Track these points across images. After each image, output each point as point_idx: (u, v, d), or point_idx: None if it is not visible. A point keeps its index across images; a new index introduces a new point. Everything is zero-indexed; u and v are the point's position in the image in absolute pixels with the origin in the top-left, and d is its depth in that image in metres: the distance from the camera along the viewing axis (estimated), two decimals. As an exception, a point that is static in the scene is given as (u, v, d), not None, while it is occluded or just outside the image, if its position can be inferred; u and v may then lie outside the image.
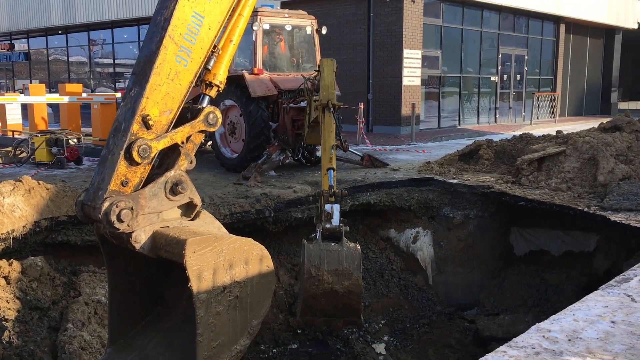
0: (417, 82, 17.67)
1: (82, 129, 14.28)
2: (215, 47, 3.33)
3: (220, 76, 3.42)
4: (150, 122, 2.99)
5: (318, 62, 10.52)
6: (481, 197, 8.27)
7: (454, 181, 8.57)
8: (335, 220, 5.71)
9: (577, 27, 26.45)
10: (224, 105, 9.82)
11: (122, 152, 2.92)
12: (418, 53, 17.47)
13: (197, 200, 3.17)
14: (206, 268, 2.87)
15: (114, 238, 3.05)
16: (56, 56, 29.39)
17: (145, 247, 2.98)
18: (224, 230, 3.30)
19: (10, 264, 5.66)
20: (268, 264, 3.15)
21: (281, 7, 12.23)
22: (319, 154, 10.43)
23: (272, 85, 9.58)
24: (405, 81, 17.19)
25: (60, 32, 28.01)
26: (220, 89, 3.46)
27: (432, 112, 19.44)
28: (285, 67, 10.46)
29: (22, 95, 16.46)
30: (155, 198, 3.01)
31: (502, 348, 3.15)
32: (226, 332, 3.01)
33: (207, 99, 3.40)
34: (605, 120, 9.67)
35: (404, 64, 17.03)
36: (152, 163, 3.07)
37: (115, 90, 24.00)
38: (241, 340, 3.11)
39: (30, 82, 27.41)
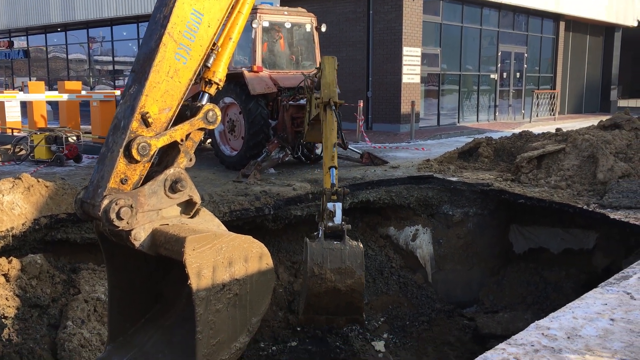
0: (417, 79, 17.66)
1: (81, 126, 14.28)
2: (214, 44, 3.33)
3: (219, 74, 3.41)
4: (150, 120, 2.99)
5: (318, 60, 10.54)
6: (480, 194, 8.27)
7: (454, 179, 8.58)
8: (338, 218, 5.71)
9: (577, 25, 26.44)
10: (224, 103, 9.81)
11: (121, 150, 2.92)
12: (418, 51, 17.46)
13: (197, 198, 3.17)
14: (206, 266, 2.87)
15: (114, 236, 3.05)
16: (55, 54, 29.35)
17: (144, 245, 2.98)
18: (224, 227, 3.30)
19: (9, 262, 5.66)
20: (267, 262, 3.15)
21: (280, 5, 12.23)
22: (318, 151, 10.44)
23: (272, 83, 9.58)
24: (405, 79, 17.18)
25: (59, 29, 27.97)
26: (219, 86, 3.46)
27: (431, 109, 19.43)
28: (284, 65, 10.46)
29: (22, 92, 16.43)
30: (155, 196, 3.00)
31: (501, 345, 3.16)
32: (226, 329, 3.01)
33: (206, 96, 3.40)
34: (604, 118, 9.67)
35: (404, 62, 17.01)
36: (152, 161, 3.07)
37: (115, 87, 23.97)
38: (241, 338, 3.11)
39: (30, 80, 27.40)
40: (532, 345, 3.14)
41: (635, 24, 28.99)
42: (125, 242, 2.99)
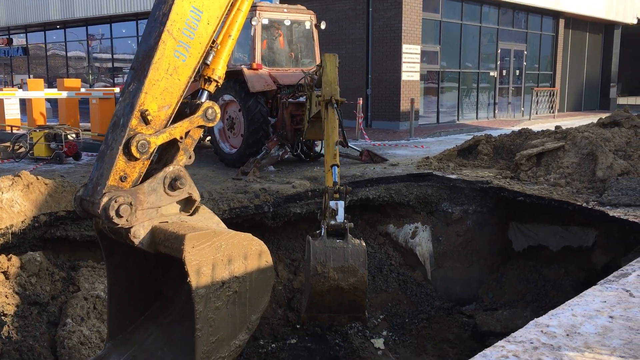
0: (416, 77, 17.65)
1: (80, 124, 14.27)
2: (214, 42, 3.32)
3: (219, 71, 3.41)
4: (149, 117, 2.98)
5: (317, 57, 10.54)
6: (480, 192, 8.27)
7: (453, 176, 8.58)
8: (340, 216, 5.71)
9: (576, 22, 26.42)
10: (223, 101, 9.81)
11: (120, 148, 2.92)
12: (417, 48, 17.45)
13: (196, 196, 3.17)
14: (205, 263, 2.87)
15: (113, 233, 3.05)
16: (54, 51, 29.33)
17: (144, 242, 2.98)
18: (223, 225, 3.30)
19: (9, 259, 5.66)
20: (267, 259, 3.15)
21: (280, 2, 12.21)
22: (317, 149, 10.44)
23: (271, 81, 9.57)
24: (404, 76, 17.17)
25: (58, 26, 27.94)
26: (219, 84, 3.46)
27: (431, 107, 19.42)
28: (284, 62, 10.45)
29: (21, 90, 16.42)
30: (154, 193, 3.00)
31: (500, 343, 3.16)
32: (225, 327, 3.02)
33: (205, 94, 3.40)
34: (604, 115, 9.67)
35: (403, 59, 17.00)
36: (151, 158, 3.07)
37: (114, 85, 23.96)
38: (240, 335, 3.12)
39: (29, 77, 27.37)
40: (531, 343, 3.14)
41: (635, 22, 28.98)
42: (124, 239, 2.99)
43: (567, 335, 3.25)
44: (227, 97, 9.75)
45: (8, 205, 5.77)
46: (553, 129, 9.44)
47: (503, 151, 9.85)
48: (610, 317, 3.51)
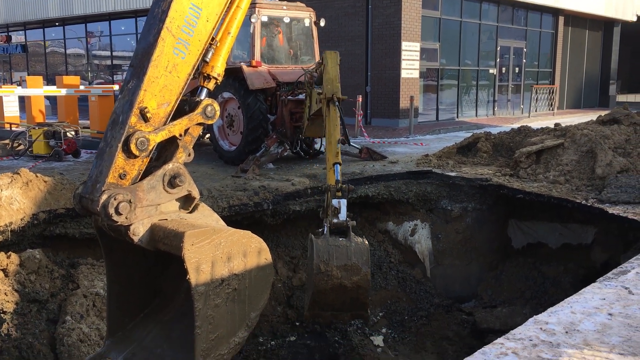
0: (416, 74, 17.64)
1: (79, 121, 14.24)
2: (213, 39, 3.32)
3: (218, 68, 3.41)
4: (148, 115, 2.98)
5: (316, 55, 10.53)
6: (479, 189, 8.27)
7: (452, 174, 8.58)
8: (343, 215, 5.72)
9: (576, 20, 26.41)
10: (222, 98, 9.80)
11: (120, 145, 2.92)
12: (416, 45, 17.43)
13: (195, 193, 3.17)
14: (204, 261, 2.87)
15: (112, 231, 3.05)
16: (53, 48, 29.30)
17: (143, 240, 2.98)
18: (222, 223, 3.30)
19: (8, 257, 5.66)
20: (266, 257, 3.15)
21: (279, -1, 12.19)
22: (317, 146, 10.43)
23: (271, 78, 9.56)
24: (404, 74, 17.16)
25: (57, 24, 27.91)
26: (218, 81, 3.46)
27: (430, 104, 19.42)
28: (283, 60, 10.44)
29: (20, 87, 16.40)
30: (154, 191, 3.00)
31: (499, 340, 3.16)
32: (224, 324, 3.02)
33: (205, 91, 3.39)
34: (603, 112, 9.67)
35: (403, 57, 16.99)
36: (150, 156, 3.06)
37: (113, 82, 23.94)
38: (239, 333, 3.12)
39: (28, 75, 27.34)
40: (531, 340, 3.15)
41: (635, 19, 28.97)
42: (124, 237, 2.99)
43: (566, 332, 3.25)
44: (226, 95, 9.74)
45: (7, 203, 5.77)
46: (552, 126, 9.44)
47: (502, 149, 9.85)
48: (609, 314, 3.51)
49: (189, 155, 3.17)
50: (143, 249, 3.05)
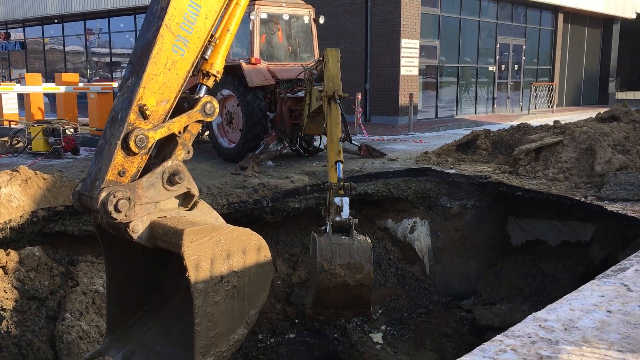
0: (415, 72, 17.63)
1: (78, 118, 14.24)
2: (212, 36, 3.31)
3: (217, 66, 3.40)
4: (147, 112, 2.98)
5: (316, 52, 10.52)
6: (478, 187, 8.28)
7: (452, 171, 8.58)
8: (345, 213, 5.72)
9: (575, 17, 26.39)
10: (221, 95, 9.79)
11: (119, 142, 2.91)
12: (416, 43, 17.42)
13: (195, 191, 3.17)
14: (204, 258, 2.87)
15: (112, 228, 3.05)
16: (52, 45, 29.26)
17: (142, 237, 2.98)
18: (222, 220, 3.30)
19: (7, 254, 5.66)
20: (265, 254, 3.15)
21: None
22: (316, 143, 10.43)
23: (270, 75, 9.55)
24: (403, 71, 17.15)
25: (56, 21, 27.87)
26: (217, 78, 3.45)
27: (429, 102, 19.41)
28: (282, 57, 10.43)
29: (19, 84, 16.39)
30: (153, 188, 3.00)
31: (498, 337, 3.17)
32: (224, 321, 3.02)
33: (204, 88, 3.39)
34: (602, 110, 9.67)
35: (402, 54, 16.98)
36: (150, 153, 3.06)
37: (112, 79, 23.92)
38: (239, 330, 3.12)
39: (27, 72, 27.31)
40: (529, 337, 3.15)
41: (634, 16, 28.95)
42: (123, 234, 2.99)
43: (565, 329, 3.26)
44: (225, 92, 9.73)
45: (6, 200, 5.77)
46: (552, 123, 9.44)
47: (502, 146, 9.85)
48: (608, 311, 3.52)
49: (188, 152, 3.17)
50: (142, 246, 3.05)
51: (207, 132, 11.09)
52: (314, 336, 7.40)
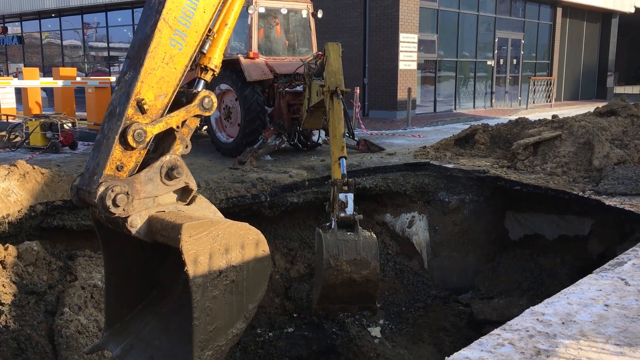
0: (413, 66, 17.61)
1: (76, 113, 14.21)
2: (210, 30, 3.30)
3: (215, 60, 3.39)
4: (145, 107, 2.97)
5: (314, 46, 10.50)
6: (477, 181, 8.28)
7: (450, 166, 8.58)
8: (350, 209, 5.73)
9: (574, 11, 26.36)
10: (220, 90, 9.77)
11: (117, 137, 2.91)
12: (414, 37, 17.39)
13: (193, 185, 3.16)
14: (202, 252, 2.87)
15: (110, 223, 3.05)
16: (50, 40, 29.17)
17: (141, 232, 2.98)
18: (220, 214, 3.29)
19: (5, 249, 5.66)
20: (264, 249, 3.15)
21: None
22: (315, 138, 10.42)
23: (268, 70, 9.53)
24: (402, 65, 17.13)
25: (53, 15, 27.77)
26: (215, 73, 3.44)
27: (428, 96, 19.40)
28: (280, 51, 10.40)
29: (16, 79, 16.33)
30: (151, 183, 3.00)
31: (496, 331, 3.18)
32: (222, 316, 3.02)
33: (202, 83, 3.38)
34: (601, 104, 9.67)
35: (400, 48, 16.96)
36: (148, 147, 3.06)
37: (110, 74, 23.86)
38: (237, 324, 3.12)
39: (24, 66, 27.23)
40: (527, 331, 3.16)
41: (633, 10, 28.93)
42: (121, 229, 2.99)
43: (563, 323, 3.27)
44: (223, 86, 9.71)
45: (4, 195, 5.76)
46: (550, 118, 9.44)
47: (500, 140, 9.85)
48: (606, 305, 3.53)
49: (186, 147, 3.16)
50: (141, 241, 3.05)
51: (205, 127, 11.08)
52: (312, 330, 7.41)
